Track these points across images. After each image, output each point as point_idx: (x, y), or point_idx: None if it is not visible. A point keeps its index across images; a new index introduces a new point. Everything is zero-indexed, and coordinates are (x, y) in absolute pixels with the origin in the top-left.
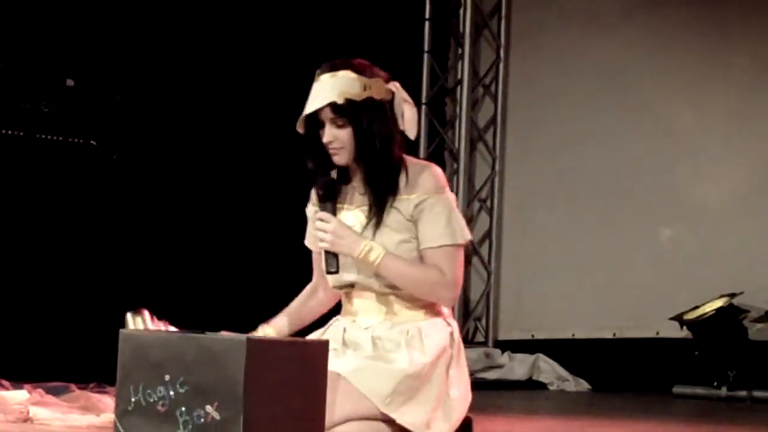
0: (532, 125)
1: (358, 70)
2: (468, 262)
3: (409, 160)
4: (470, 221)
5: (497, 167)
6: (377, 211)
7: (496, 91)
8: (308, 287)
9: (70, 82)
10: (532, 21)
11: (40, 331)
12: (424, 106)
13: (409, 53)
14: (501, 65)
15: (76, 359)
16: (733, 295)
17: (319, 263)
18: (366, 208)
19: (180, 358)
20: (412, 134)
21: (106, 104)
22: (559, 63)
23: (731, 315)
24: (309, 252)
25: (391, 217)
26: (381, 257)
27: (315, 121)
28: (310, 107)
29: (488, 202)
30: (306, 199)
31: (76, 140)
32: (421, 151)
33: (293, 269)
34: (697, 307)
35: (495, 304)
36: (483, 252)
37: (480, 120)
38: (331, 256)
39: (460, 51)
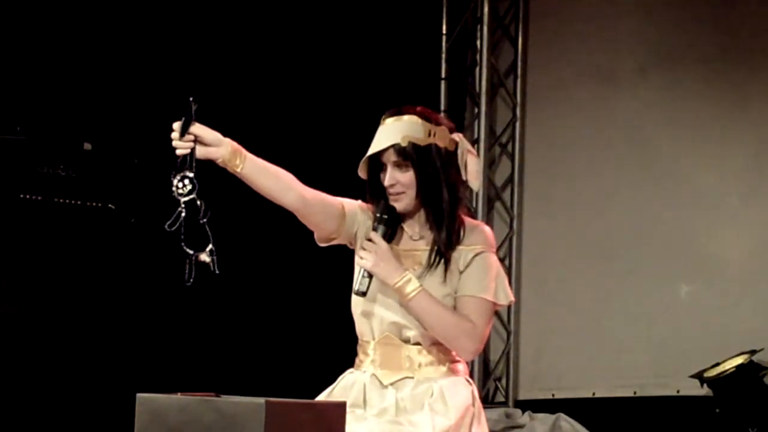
0: (549, 183)
1: (424, 117)
2: None
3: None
4: None
5: (515, 226)
6: (434, 259)
7: (513, 149)
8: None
9: (87, 146)
10: (548, 79)
11: (56, 397)
12: None
13: None
14: (518, 124)
15: (92, 425)
16: (753, 352)
17: (348, 205)
18: (418, 253)
19: (198, 422)
20: (476, 186)
21: (124, 168)
22: (576, 121)
23: (751, 372)
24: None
25: (442, 269)
26: (417, 291)
27: (377, 164)
28: (373, 149)
29: (506, 261)
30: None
31: (94, 204)
32: None
33: (311, 339)
34: (717, 365)
35: (515, 364)
36: (502, 311)
37: (497, 179)
38: (366, 277)
39: (476, 110)
